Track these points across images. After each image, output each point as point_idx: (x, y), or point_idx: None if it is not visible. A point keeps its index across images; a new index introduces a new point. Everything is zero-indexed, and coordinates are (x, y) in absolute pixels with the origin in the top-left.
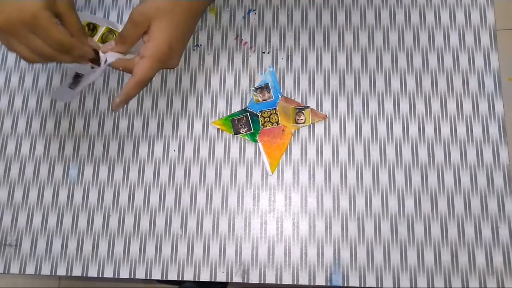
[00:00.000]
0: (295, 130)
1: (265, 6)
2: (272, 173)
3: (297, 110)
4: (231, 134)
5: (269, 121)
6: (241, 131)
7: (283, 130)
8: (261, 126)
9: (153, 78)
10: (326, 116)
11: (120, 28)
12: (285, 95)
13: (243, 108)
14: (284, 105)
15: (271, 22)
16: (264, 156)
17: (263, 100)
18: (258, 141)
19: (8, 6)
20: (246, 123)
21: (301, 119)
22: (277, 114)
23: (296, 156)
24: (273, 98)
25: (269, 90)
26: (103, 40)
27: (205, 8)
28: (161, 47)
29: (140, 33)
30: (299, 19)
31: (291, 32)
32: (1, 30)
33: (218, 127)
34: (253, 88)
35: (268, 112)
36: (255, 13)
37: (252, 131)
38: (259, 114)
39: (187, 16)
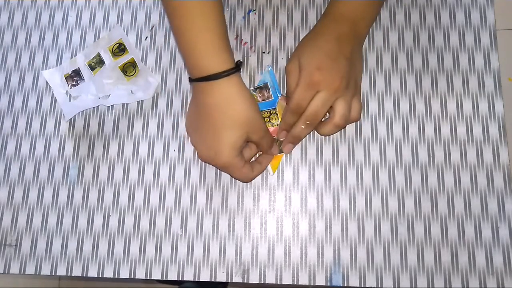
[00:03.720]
0: None
1: (265, 6)
2: (273, 173)
3: None
4: None
5: (269, 121)
6: None
7: None
8: None
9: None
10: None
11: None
12: (284, 95)
13: None
14: (284, 105)
15: (271, 22)
16: None
17: (262, 100)
18: None
19: (206, 151)
20: None
21: None
22: (277, 114)
23: (296, 156)
24: (273, 98)
25: (268, 90)
26: (124, 69)
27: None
28: (309, 71)
29: (296, 75)
30: (299, 19)
31: (291, 32)
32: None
33: None
34: (252, 88)
35: (268, 112)
36: (255, 13)
37: None
38: None
39: (331, 45)
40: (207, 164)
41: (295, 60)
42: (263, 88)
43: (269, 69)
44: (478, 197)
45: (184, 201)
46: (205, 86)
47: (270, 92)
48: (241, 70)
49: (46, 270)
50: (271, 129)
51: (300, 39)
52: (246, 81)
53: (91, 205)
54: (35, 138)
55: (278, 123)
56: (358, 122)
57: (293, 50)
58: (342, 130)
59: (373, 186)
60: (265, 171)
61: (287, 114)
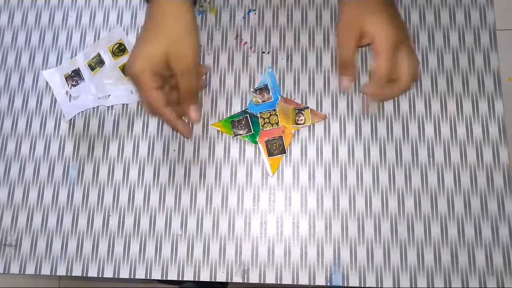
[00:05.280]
0: (295, 131)
1: (265, 6)
2: (273, 175)
3: (297, 110)
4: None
5: (269, 122)
6: (241, 133)
7: (283, 131)
8: (261, 127)
9: None
10: (326, 116)
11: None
12: (284, 96)
13: (243, 108)
14: (284, 106)
15: (271, 22)
16: (264, 158)
17: (262, 102)
18: (258, 142)
19: (128, 59)
20: (245, 124)
21: (301, 120)
22: (277, 115)
23: (296, 156)
24: (273, 99)
25: (268, 91)
26: (124, 69)
27: None
28: (390, 34)
29: (355, 45)
30: (299, 19)
31: (291, 32)
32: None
33: (218, 129)
34: (253, 90)
35: (268, 113)
36: (255, 13)
37: (252, 132)
38: (258, 116)
39: (384, 2)
40: (207, 164)
41: (354, 23)
42: (263, 89)
43: (269, 70)
44: (478, 197)
45: (184, 201)
46: (151, 2)
47: (270, 94)
48: (241, 70)
49: (46, 270)
50: (270, 130)
51: (300, 39)
52: (246, 81)
53: (91, 205)
54: (35, 138)
55: (278, 123)
56: (358, 122)
57: (293, 50)
58: (342, 130)
59: (373, 186)
60: (264, 171)
61: (377, 86)
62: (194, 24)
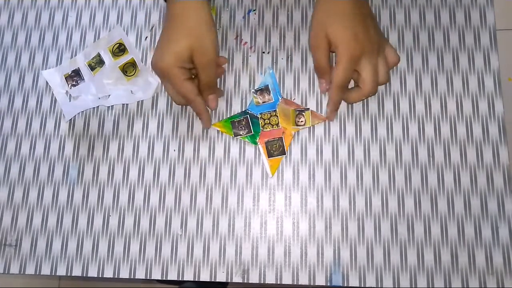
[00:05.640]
0: (295, 132)
1: (265, 6)
2: (272, 176)
3: (297, 112)
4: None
5: (269, 123)
6: (241, 133)
7: (283, 132)
8: (261, 128)
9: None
10: (326, 118)
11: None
12: (285, 95)
13: (243, 108)
14: (284, 107)
15: (271, 22)
16: (264, 159)
17: (263, 102)
18: (258, 143)
19: (155, 56)
20: (246, 125)
21: (301, 121)
22: (277, 116)
23: (296, 156)
24: (273, 100)
25: (269, 92)
26: (124, 69)
27: None
28: (350, 46)
29: (326, 54)
30: (299, 19)
31: (291, 32)
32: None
33: (218, 129)
34: (253, 90)
35: (268, 114)
36: (255, 13)
37: (252, 133)
38: (259, 116)
39: (351, 7)
40: (207, 164)
41: (320, 32)
42: (263, 90)
43: (270, 71)
44: (478, 197)
45: (184, 201)
46: (169, 3)
47: (271, 95)
48: (241, 70)
49: (46, 270)
50: (270, 131)
51: (300, 39)
52: (246, 81)
53: (91, 205)
54: (35, 138)
55: (278, 124)
56: (358, 122)
57: (293, 50)
58: (342, 130)
59: (373, 186)
60: (264, 171)
61: (335, 92)
62: (212, 21)
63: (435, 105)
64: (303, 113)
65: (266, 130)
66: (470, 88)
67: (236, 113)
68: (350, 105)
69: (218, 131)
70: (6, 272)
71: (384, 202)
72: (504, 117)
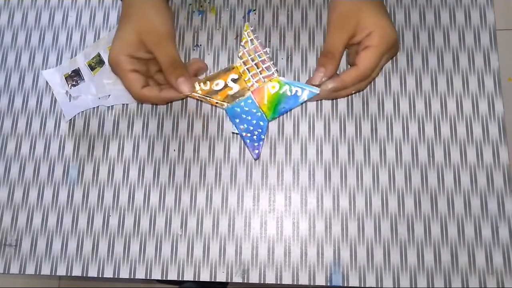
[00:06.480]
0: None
1: (265, 6)
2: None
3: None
4: (231, 134)
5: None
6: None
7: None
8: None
9: None
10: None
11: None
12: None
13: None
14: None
15: (271, 22)
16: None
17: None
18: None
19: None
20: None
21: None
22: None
23: (296, 156)
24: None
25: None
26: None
27: None
28: (388, 32)
29: (347, 38)
30: (299, 19)
31: (291, 32)
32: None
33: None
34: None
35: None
36: (255, 13)
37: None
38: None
39: None
40: (207, 164)
41: (349, 14)
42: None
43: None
44: (478, 197)
45: (184, 201)
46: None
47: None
48: None
49: (46, 270)
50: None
51: (300, 39)
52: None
53: (91, 205)
54: (35, 138)
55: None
56: (358, 122)
57: (293, 50)
58: (342, 130)
59: (373, 186)
60: (264, 172)
61: (353, 77)
62: (166, 6)
63: (435, 105)
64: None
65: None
66: (470, 88)
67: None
68: (350, 105)
69: (218, 129)
70: (6, 272)
71: (384, 202)
72: (504, 117)
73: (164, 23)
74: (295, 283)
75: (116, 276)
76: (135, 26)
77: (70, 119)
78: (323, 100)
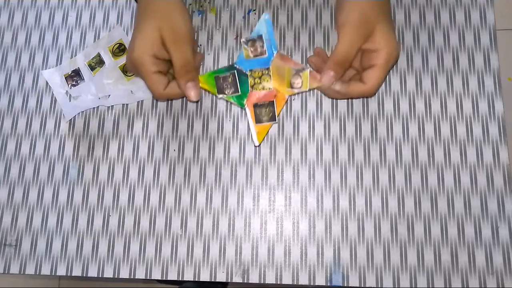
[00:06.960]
0: (289, 96)
1: (265, 6)
2: (259, 144)
3: (294, 71)
4: (231, 134)
5: (260, 82)
6: (226, 92)
7: (275, 96)
8: (250, 88)
9: None
10: (322, 83)
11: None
12: (281, 52)
13: (231, 62)
14: (279, 64)
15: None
16: (251, 123)
17: (254, 56)
18: (246, 106)
19: (128, 51)
20: (232, 83)
21: (297, 83)
22: (270, 75)
23: (296, 156)
24: (267, 55)
25: (263, 44)
26: (124, 69)
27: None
28: (394, 54)
29: (362, 43)
30: (299, 19)
31: (291, 32)
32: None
33: (200, 85)
34: (244, 40)
35: (260, 72)
36: (255, 13)
37: (239, 93)
38: (248, 74)
39: (388, 9)
40: (207, 164)
41: (367, 25)
42: (256, 41)
43: (266, 17)
44: (478, 197)
45: (184, 201)
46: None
47: (265, 47)
48: None
49: (46, 270)
50: (262, 92)
51: (300, 39)
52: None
53: (91, 205)
54: (35, 138)
55: (271, 86)
56: (358, 122)
57: (293, 50)
58: (342, 130)
59: (373, 186)
60: (264, 172)
61: (355, 91)
62: (183, 4)
63: (435, 105)
64: (300, 73)
65: (256, 91)
66: (470, 88)
67: (222, 67)
68: (350, 105)
69: (218, 129)
70: (6, 272)
71: (384, 202)
72: (504, 117)
73: (185, 24)
74: (295, 283)
75: (116, 276)
76: (158, 25)
77: (70, 119)
78: (323, 100)
